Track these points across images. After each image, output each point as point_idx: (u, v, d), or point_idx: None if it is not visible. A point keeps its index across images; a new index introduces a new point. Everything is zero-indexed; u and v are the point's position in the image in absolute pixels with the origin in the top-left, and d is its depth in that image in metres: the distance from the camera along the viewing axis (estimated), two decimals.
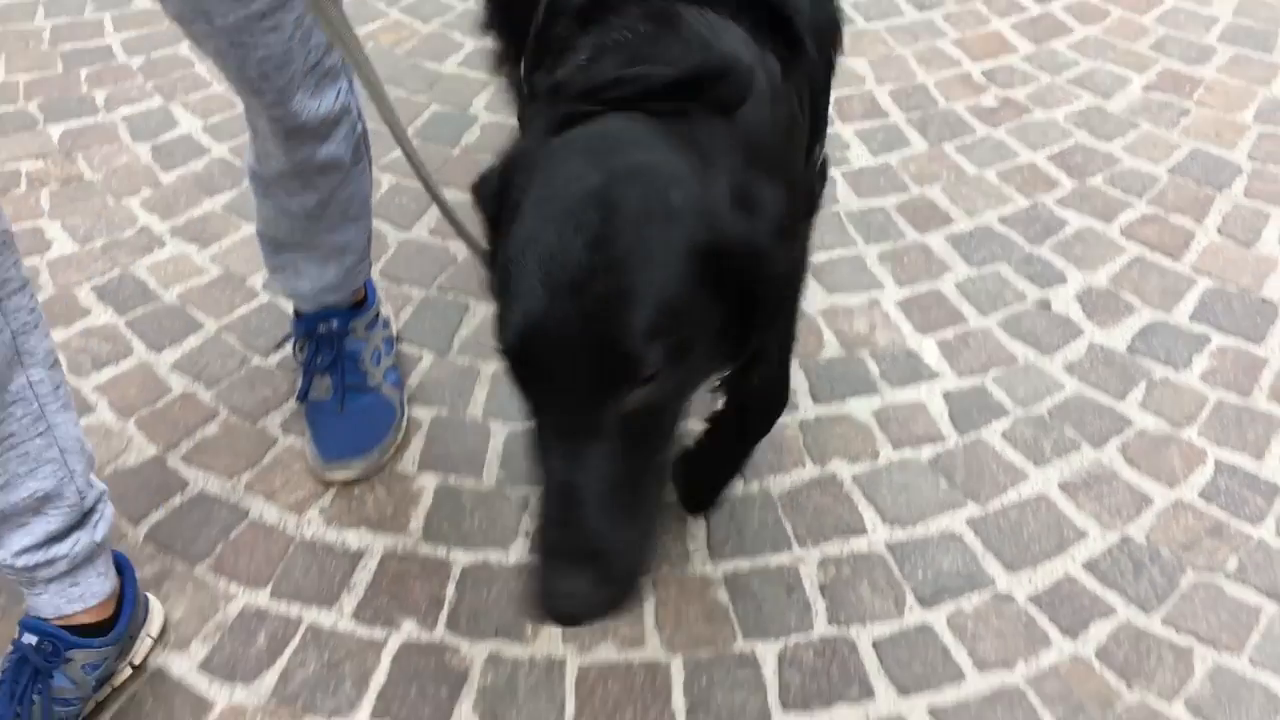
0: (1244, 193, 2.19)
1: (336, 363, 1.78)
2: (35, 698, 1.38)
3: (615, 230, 0.90)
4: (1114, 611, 1.58)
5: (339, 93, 1.52)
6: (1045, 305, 2.00)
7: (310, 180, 1.59)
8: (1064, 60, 2.55)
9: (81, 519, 1.40)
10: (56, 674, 1.40)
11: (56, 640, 1.40)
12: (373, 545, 1.69)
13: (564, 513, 0.95)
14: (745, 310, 0.99)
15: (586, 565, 0.94)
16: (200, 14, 1.34)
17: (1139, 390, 1.86)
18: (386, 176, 2.24)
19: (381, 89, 1.29)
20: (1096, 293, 2.02)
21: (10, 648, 1.42)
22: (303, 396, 1.80)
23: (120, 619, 1.47)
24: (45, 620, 1.42)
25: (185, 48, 2.62)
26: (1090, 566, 1.63)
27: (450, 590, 1.63)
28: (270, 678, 1.54)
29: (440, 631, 1.58)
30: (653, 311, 0.89)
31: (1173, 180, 2.23)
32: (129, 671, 1.52)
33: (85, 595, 1.43)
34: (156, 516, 1.72)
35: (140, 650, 1.53)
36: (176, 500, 1.74)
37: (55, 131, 2.41)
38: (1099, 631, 1.56)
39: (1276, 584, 1.60)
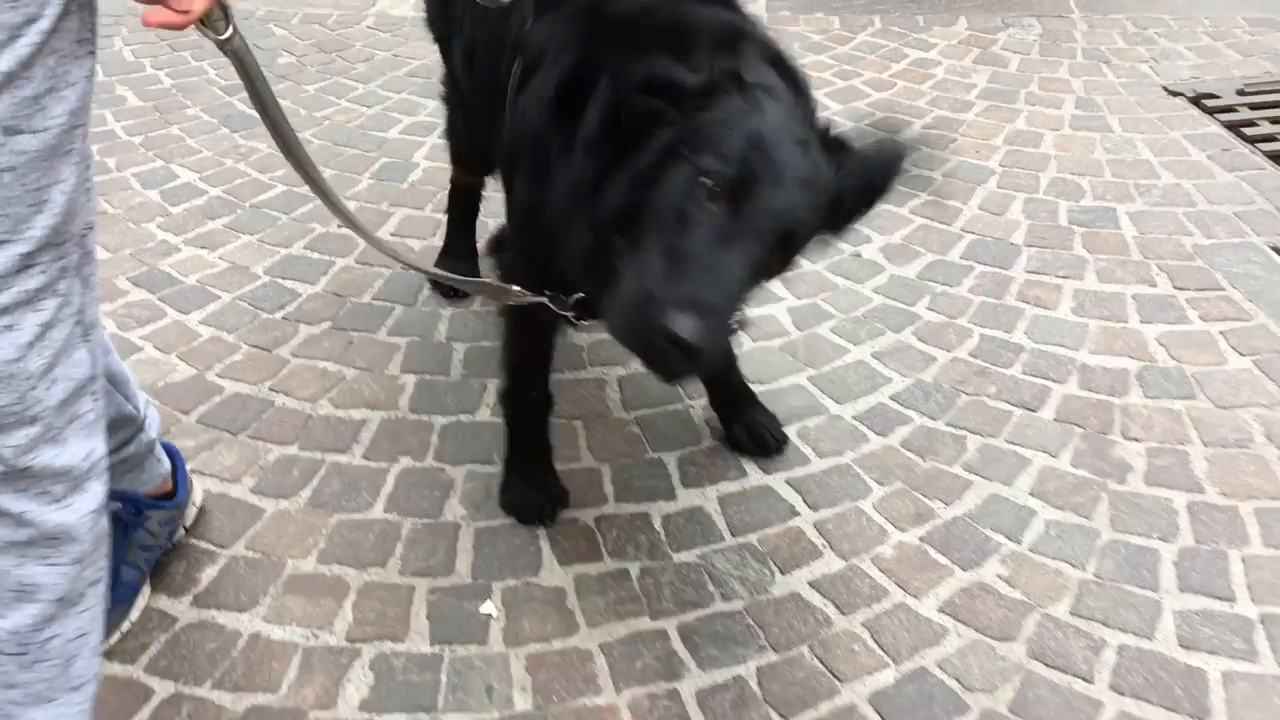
0: (996, 185, 2.99)
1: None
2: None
3: (813, 165, 1.48)
4: (912, 420, 2.24)
5: (90, 454, 1.31)
6: (858, 255, 2.72)
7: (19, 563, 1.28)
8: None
9: (143, 420, 1.76)
10: (139, 530, 1.84)
11: (138, 504, 1.83)
12: (371, 418, 2.25)
13: (716, 279, 1.39)
14: None
15: (710, 318, 1.37)
16: None
17: (926, 299, 2.57)
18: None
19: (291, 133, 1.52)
20: (894, 246, 2.75)
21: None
22: None
23: (179, 489, 1.93)
24: (122, 491, 1.79)
25: (177, 128, 3.26)
26: (895, 398, 2.30)
27: (434, 439, 2.20)
28: (305, 494, 2.08)
29: (430, 460, 2.15)
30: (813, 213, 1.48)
31: (945, 180, 3.01)
32: (183, 532, 1.98)
33: (151, 477, 1.86)
34: (203, 409, 2.26)
35: (190, 516, 1.99)
36: (216, 399, 2.29)
37: None
38: (902, 431, 2.21)
39: (1022, 399, 2.28)
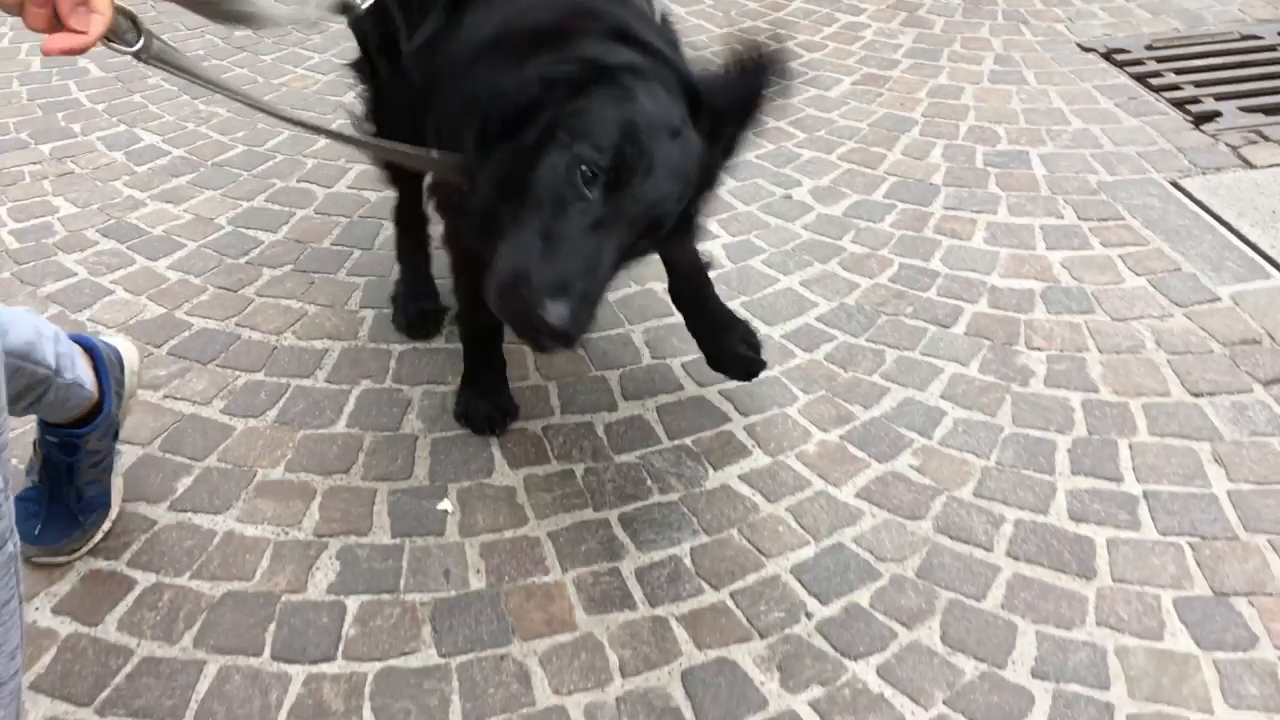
0: (918, 134, 3.19)
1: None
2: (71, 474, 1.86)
3: (681, 147, 1.60)
4: (835, 338, 2.43)
5: None
6: (788, 197, 2.91)
7: None
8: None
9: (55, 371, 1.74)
10: (79, 454, 1.87)
11: (70, 436, 1.84)
12: (332, 347, 2.41)
13: (587, 263, 1.52)
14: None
15: (577, 303, 1.50)
16: None
17: (850, 234, 2.76)
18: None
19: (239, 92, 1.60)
20: (821, 189, 2.94)
21: (38, 453, 1.90)
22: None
23: (104, 400, 1.88)
24: (53, 425, 1.84)
25: (139, 96, 3.39)
26: (820, 319, 2.48)
27: (393, 363, 2.36)
28: (272, 414, 2.23)
29: (389, 383, 2.31)
30: (681, 190, 1.62)
31: (871, 129, 3.20)
32: (136, 396, 2.06)
33: (76, 404, 1.83)
34: (173, 343, 2.41)
35: (129, 383, 1.99)
36: (185, 333, 2.43)
37: (45, 149, 3.13)
38: (826, 348, 2.40)
39: (936, 317, 2.47)
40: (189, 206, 2.87)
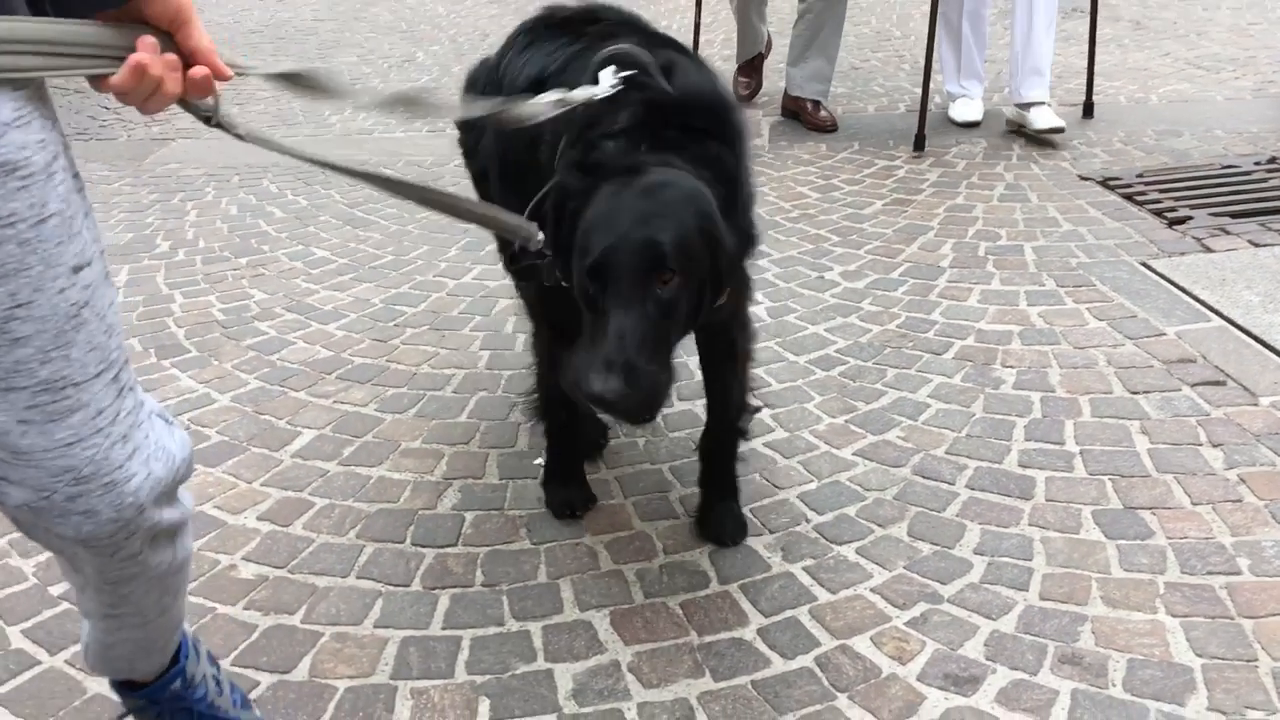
0: (933, 235, 3.90)
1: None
2: None
3: (656, 204, 1.77)
4: (848, 362, 3.07)
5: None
6: (820, 277, 3.62)
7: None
8: None
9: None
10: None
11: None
12: (457, 373, 3.14)
13: (618, 342, 1.70)
14: (714, 277, 1.86)
15: (620, 375, 1.68)
16: None
17: (869, 299, 3.44)
18: None
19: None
20: (848, 271, 3.65)
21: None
22: None
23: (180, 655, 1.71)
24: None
25: (313, 228, 4.32)
26: (837, 351, 3.14)
27: (503, 381, 3.09)
28: (413, 410, 2.96)
29: (500, 392, 3.03)
30: (675, 239, 1.75)
31: (894, 234, 3.93)
32: None
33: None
34: (339, 370, 3.17)
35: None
36: (349, 365, 3.20)
37: (243, 260, 4.02)
38: (840, 368, 3.05)
39: (931, 348, 3.11)
40: (350, 293, 3.70)
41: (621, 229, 1.78)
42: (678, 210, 1.81)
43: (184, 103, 1.29)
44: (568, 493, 2.50)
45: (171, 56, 1.23)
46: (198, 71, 1.25)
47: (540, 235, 1.85)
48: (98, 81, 1.23)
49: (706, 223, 1.83)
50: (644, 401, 1.77)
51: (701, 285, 1.85)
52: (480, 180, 2.52)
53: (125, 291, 3.74)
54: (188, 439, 1.50)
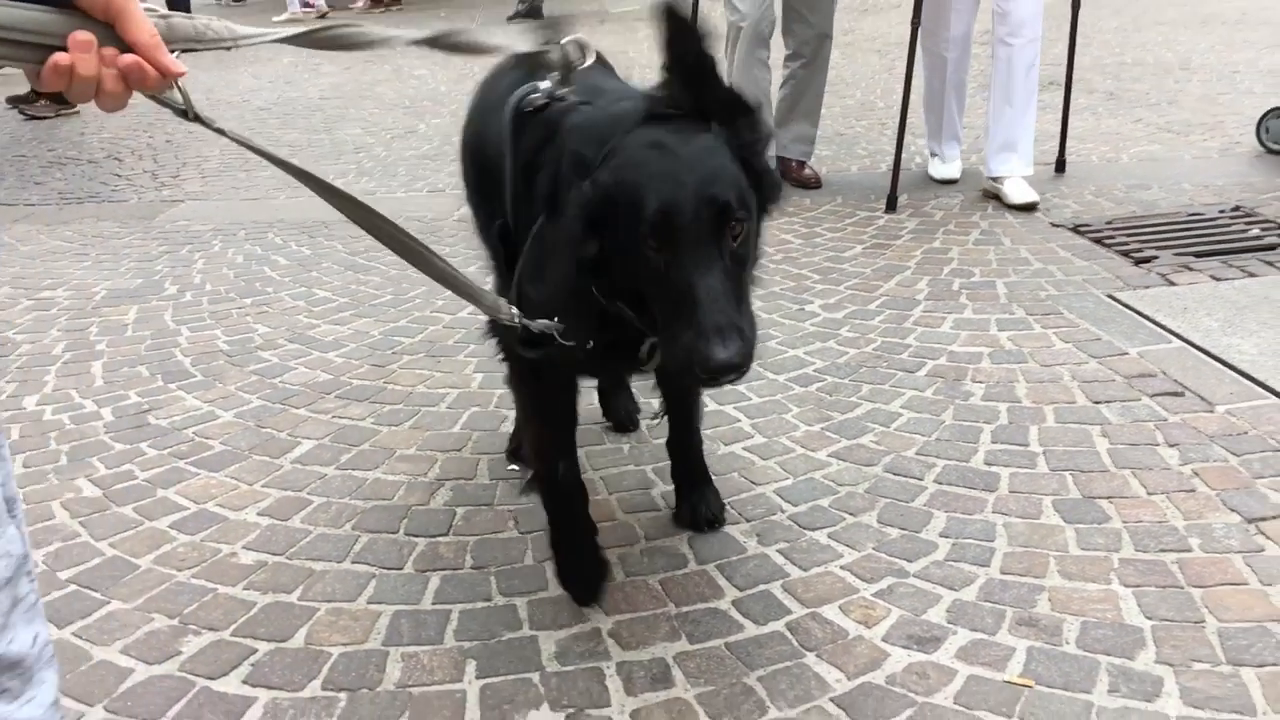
0: (910, 274, 4.07)
1: None
2: None
3: (693, 154, 1.68)
4: (825, 380, 3.22)
5: (37, 638, 1.20)
6: (800, 309, 3.78)
7: None
8: None
9: None
10: None
11: None
12: (451, 392, 3.29)
13: (717, 305, 1.58)
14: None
15: (736, 336, 1.58)
16: None
17: (846, 327, 3.59)
18: None
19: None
20: (827, 304, 3.81)
21: None
22: None
23: None
24: None
25: (315, 272, 4.50)
26: (815, 370, 3.28)
27: (495, 396, 3.23)
28: (408, 424, 3.10)
29: (492, 407, 3.17)
30: (734, 189, 1.67)
31: (873, 273, 4.10)
32: None
33: None
34: (337, 391, 3.32)
35: None
36: (347, 387, 3.35)
37: (248, 301, 4.19)
38: (818, 384, 3.20)
39: (905, 367, 3.26)
40: (351, 326, 3.86)
41: (676, 184, 1.65)
42: (716, 157, 1.72)
43: (154, 97, 1.23)
44: (582, 567, 2.28)
45: (110, 51, 1.14)
46: (124, 60, 1.14)
47: (516, 312, 1.84)
48: (38, 80, 1.15)
49: (737, 167, 1.74)
50: (751, 357, 1.67)
51: (757, 230, 1.80)
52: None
53: (133, 328, 3.90)
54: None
